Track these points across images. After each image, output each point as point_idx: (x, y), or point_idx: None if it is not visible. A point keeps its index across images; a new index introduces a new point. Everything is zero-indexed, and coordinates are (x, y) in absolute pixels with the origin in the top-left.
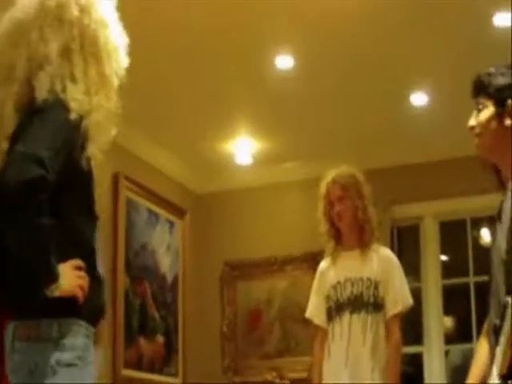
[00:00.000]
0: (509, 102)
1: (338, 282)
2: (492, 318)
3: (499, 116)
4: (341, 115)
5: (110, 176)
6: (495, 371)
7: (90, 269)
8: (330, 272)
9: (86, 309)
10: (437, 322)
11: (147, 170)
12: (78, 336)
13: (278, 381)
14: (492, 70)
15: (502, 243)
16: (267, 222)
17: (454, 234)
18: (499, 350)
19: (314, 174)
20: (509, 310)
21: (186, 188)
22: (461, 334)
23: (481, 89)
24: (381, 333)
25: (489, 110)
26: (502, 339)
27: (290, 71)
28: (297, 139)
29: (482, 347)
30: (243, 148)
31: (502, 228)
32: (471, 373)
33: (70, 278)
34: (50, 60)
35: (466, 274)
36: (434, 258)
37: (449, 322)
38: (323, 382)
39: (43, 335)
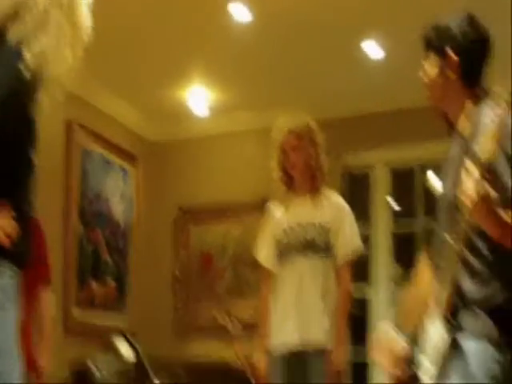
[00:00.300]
0: (451, 54)
1: (290, 227)
2: (436, 260)
3: (442, 67)
4: (296, 65)
5: (64, 123)
6: (437, 310)
7: (16, 210)
8: (282, 217)
9: (11, 250)
10: (385, 269)
11: (101, 118)
12: (4, 276)
13: (229, 322)
14: (439, 22)
15: (448, 185)
16: (221, 169)
17: (405, 181)
18: (442, 290)
19: (269, 123)
20: (452, 252)
21: (140, 136)
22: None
23: (427, 42)
24: (331, 278)
25: (434, 62)
26: (445, 278)
27: (246, 21)
28: (252, 89)
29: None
30: (198, 97)
31: (448, 170)
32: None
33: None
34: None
35: (415, 221)
36: (384, 206)
37: (397, 268)
38: (271, 324)
39: None
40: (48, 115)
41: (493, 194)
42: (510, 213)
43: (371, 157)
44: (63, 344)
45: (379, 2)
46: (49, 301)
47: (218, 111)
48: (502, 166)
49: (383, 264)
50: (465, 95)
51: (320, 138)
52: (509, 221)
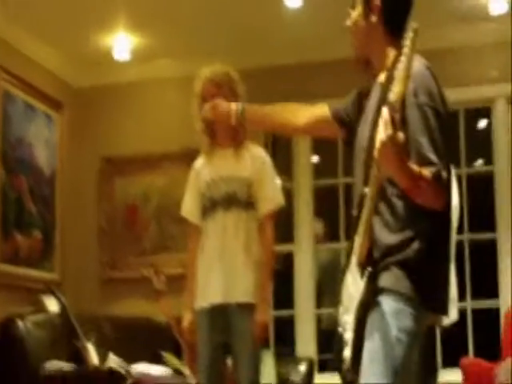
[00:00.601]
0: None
1: (212, 180)
2: (352, 209)
3: (366, 14)
4: (218, 14)
5: None
6: (354, 260)
7: None
8: (205, 170)
9: None
10: (307, 222)
11: (24, 62)
12: None
13: (154, 276)
14: None
15: (365, 133)
16: (145, 118)
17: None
18: (357, 239)
19: (192, 71)
20: (366, 200)
21: (64, 81)
22: (330, 235)
23: None
24: (253, 230)
25: (359, 9)
26: (360, 229)
27: None
28: (175, 36)
29: None
30: (121, 43)
31: (366, 119)
32: None
33: None
34: None
35: (336, 175)
36: (305, 159)
37: (319, 223)
38: (197, 276)
39: None
40: None
41: (400, 136)
42: (423, 169)
43: None
44: None
45: None
46: None
47: (142, 58)
48: (414, 117)
49: (305, 218)
50: (387, 42)
51: (241, 88)
52: (417, 173)
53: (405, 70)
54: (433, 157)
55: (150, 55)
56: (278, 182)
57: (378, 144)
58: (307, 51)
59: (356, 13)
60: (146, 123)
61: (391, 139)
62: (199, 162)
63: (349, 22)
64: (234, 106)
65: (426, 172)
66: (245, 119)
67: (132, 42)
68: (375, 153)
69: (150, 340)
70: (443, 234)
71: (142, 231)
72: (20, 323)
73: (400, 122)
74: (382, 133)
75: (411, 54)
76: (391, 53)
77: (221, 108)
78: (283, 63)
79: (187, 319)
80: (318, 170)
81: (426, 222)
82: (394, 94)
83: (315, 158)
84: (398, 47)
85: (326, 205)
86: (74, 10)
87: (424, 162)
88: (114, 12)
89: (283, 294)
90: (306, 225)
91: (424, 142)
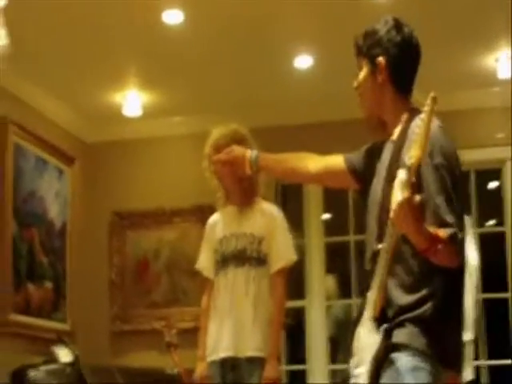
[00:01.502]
0: (379, 59)
1: (224, 237)
2: (364, 264)
3: (373, 73)
4: (229, 74)
5: None
6: (367, 315)
7: None
8: (218, 226)
9: None
10: (319, 278)
11: (36, 117)
12: None
13: (165, 329)
14: (367, 29)
15: (378, 190)
16: (157, 173)
17: (336, 193)
18: (370, 294)
19: (202, 128)
20: (380, 256)
21: (75, 136)
22: (341, 291)
23: (358, 49)
24: (264, 286)
25: (365, 69)
26: (374, 283)
27: (179, 26)
28: (186, 94)
29: None
30: (132, 99)
31: (379, 175)
32: None
33: None
34: None
35: (347, 232)
36: (316, 216)
37: (330, 279)
38: (209, 331)
39: None
40: None
41: (417, 198)
42: (439, 231)
43: None
44: (1, 347)
45: (311, 16)
46: None
47: (153, 114)
48: (430, 179)
49: (317, 273)
50: (397, 99)
51: (251, 145)
52: (434, 235)
53: (423, 135)
54: (449, 218)
55: (161, 112)
56: (290, 237)
57: (394, 205)
58: (315, 111)
59: (362, 74)
60: (157, 179)
61: (408, 201)
62: (213, 218)
63: (356, 84)
64: (248, 152)
65: (442, 233)
66: (258, 166)
67: (143, 99)
68: (391, 214)
69: None
70: (457, 291)
71: (153, 284)
72: (32, 373)
73: (416, 184)
74: (399, 194)
75: (429, 121)
76: (402, 109)
77: (237, 152)
78: (293, 123)
79: (199, 371)
80: (329, 227)
81: (441, 280)
82: (411, 158)
83: (326, 215)
84: (408, 103)
85: (338, 261)
86: (86, 67)
87: (441, 223)
88: (126, 69)
89: (297, 348)
90: (318, 280)
91: (441, 203)
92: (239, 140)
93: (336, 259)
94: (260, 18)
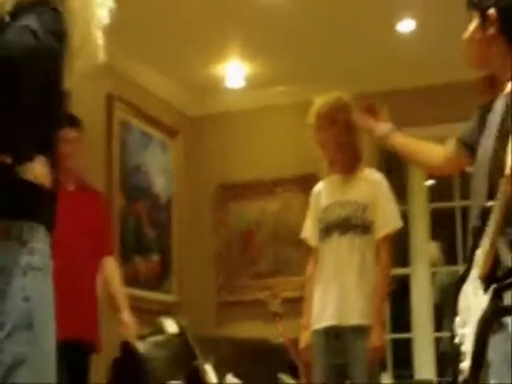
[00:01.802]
0: (490, 11)
1: (329, 205)
2: (472, 220)
3: (483, 26)
4: (331, 41)
5: (104, 97)
6: (475, 273)
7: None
8: (322, 195)
9: (46, 216)
10: (423, 246)
11: (140, 92)
12: (45, 242)
13: (270, 299)
14: None
15: (489, 147)
16: (259, 144)
17: None
18: (481, 252)
19: (305, 97)
20: (492, 214)
21: (179, 109)
22: (447, 258)
23: (468, 1)
24: (368, 254)
25: (475, 22)
26: (485, 241)
27: None
28: (288, 63)
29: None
30: (235, 70)
31: (490, 132)
32: None
33: (39, 166)
34: None
35: (452, 198)
36: (420, 182)
37: (435, 246)
38: (313, 300)
39: (14, 236)
40: (89, 89)
41: None
42: None
43: (408, 133)
44: (110, 320)
45: None
46: (115, 269)
47: (255, 85)
48: None
49: (421, 240)
50: (509, 53)
51: (353, 114)
52: None
53: None
54: None
55: (263, 82)
56: (395, 204)
57: (509, 163)
58: (421, 74)
59: (472, 26)
60: (260, 149)
61: None
62: (318, 188)
63: (465, 36)
64: (385, 127)
65: None
66: (393, 146)
67: (245, 70)
68: (506, 170)
69: (267, 361)
70: None
71: (258, 255)
72: (140, 344)
73: None
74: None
75: None
76: None
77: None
78: (399, 87)
79: (304, 341)
80: (434, 193)
81: None
82: None
83: (430, 181)
84: None
85: (443, 228)
86: (187, 39)
87: None
88: (228, 40)
89: (401, 316)
90: (422, 248)
91: None
92: (342, 107)
93: (441, 226)
94: None
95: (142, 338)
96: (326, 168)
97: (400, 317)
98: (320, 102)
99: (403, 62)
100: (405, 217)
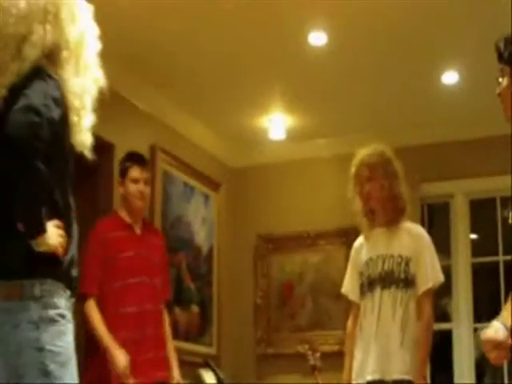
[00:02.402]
0: None
1: (370, 259)
2: None
3: None
4: (374, 93)
5: (147, 148)
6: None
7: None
8: (363, 249)
9: (64, 273)
10: (466, 300)
11: (183, 144)
12: (60, 296)
13: (309, 353)
14: (508, 34)
15: None
16: (300, 197)
17: (484, 212)
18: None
19: (346, 150)
20: None
21: (221, 162)
22: (490, 313)
23: (499, 55)
24: (411, 308)
25: (508, 76)
26: None
27: (323, 48)
28: (330, 116)
29: None
30: (277, 123)
31: None
32: None
33: (52, 234)
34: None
35: (496, 253)
36: (463, 237)
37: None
38: (355, 354)
39: (26, 294)
40: (134, 139)
41: None
42: None
43: (450, 187)
44: None
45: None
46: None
47: (297, 137)
48: None
49: (464, 295)
50: None
51: (395, 166)
52: None
53: None
54: None
55: (305, 134)
56: (436, 257)
57: None
58: (463, 127)
59: (505, 81)
60: (301, 202)
61: None
62: (359, 241)
63: (498, 91)
64: None
65: None
66: None
67: (287, 122)
68: None
69: None
70: None
71: (298, 308)
72: None
73: None
74: None
75: None
76: None
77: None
78: (439, 140)
79: None
80: (476, 247)
81: None
82: None
83: (474, 235)
84: None
85: (486, 281)
86: (231, 92)
87: None
88: (270, 93)
89: (444, 373)
90: (466, 302)
91: None
92: (386, 159)
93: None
94: (403, 34)
95: None
96: (366, 221)
97: (442, 373)
98: (364, 153)
99: (446, 114)
100: (448, 271)
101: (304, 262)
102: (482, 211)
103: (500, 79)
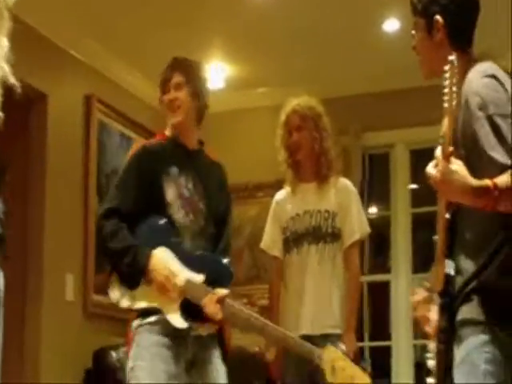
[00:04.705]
0: (436, 17)
1: (297, 214)
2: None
3: (430, 32)
4: (313, 43)
5: (82, 98)
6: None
7: None
8: (288, 203)
9: None
10: (405, 251)
11: (120, 94)
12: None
13: (248, 307)
14: None
15: None
16: (239, 147)
17: (425, 162)
18: (433, 268)
19: (284, 100)
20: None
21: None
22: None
23: (413, 7)
24: (339, 262)
25: (422, 28)
26: (436, 255)
27: None
28: (269, 65)
29: None
30: (216, 72)
31: None
32: None
33: None
34: None
35: (435, 203)
36: (403, 187)
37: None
38: (282, 312)
39: None
40: (69, 89)
41: (454, 167)
42: (497, 179)
43: (391, 136)
44: (82, 327)
45: None
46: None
47: (236, 86)
48: (481, 132)
49: (403, 246)
50: (457, 57)
51: (325, 121)
52: (485, 186)
53: (449, 103)
54: (504, 159)
55: (244, 84)
56: (363, 211)
57: (433, 181)
58: (404, 76)
59: (420, 33)
60: (240, 153)
61: (441, 177)
62: (282, 195)
63: (413, 43)
64: None
65: (503, 178)
66: None
67: (226, 71)
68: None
69: (243, 370)
70: None
71: (235, 261)
72: (113, 353)
73: (453, 153)
74: (431, 171)
75: (451, 87)
76: (463, 67)
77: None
78: (380, 89)
79: (272, 352)
80: (416, 197)
81: (507, 237)
82: (443, 126)
83: (414, 185)
84: (469, 59)
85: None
86: (169, 41)
87: (500, 170)
88: (209, 42)
89: (381, 324)
90: (404, 254)
91: (494, 152)
92: (317, 114)
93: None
94: None
95: (114, 347)
96: (290, 172)
97: (380, 325)
98: (293, 102)
99: (388, 63)
100: (387, 222)
101: (242, 214)
102: (422, 161)
103: (413, 32)
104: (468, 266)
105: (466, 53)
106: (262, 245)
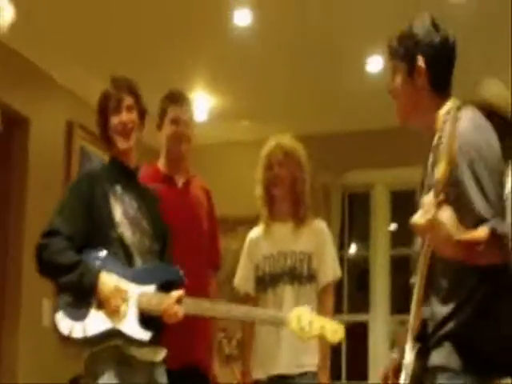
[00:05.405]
0: (419, 62)
1: (271, 255)
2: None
3: (411, 77)
4: (297, 80)
5: (64, 124)
6: (410, 335)
7: None
8: (262, 242)
9: None
10: (383, 292)
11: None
12: None
13: (225, 341)
14: (403, 30)
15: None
16: (220, 180)
17: (405, 203)
18: (411, 312)
19: (268, 134)
20: (418, 272)
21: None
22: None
23: (393, 52)
24: (312, 302)
25: (402, 73)
26: (413, 299)
27: (248, 28)
28: (252, 99)
29: None
30: (199, 103)
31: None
32: None
33: None
34: None
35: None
36: (383, 227)
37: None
38: (256, 350)
39: None
40: (51, 114)
41: (444, 215)
42: (475, 232)
43: (371, 176)
44: (59, 354)
45: (384, 20)
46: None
47: (217, 119)
48: (464, 178)
49: (381, 286)
50: (435, 105)
51: (307, 165)
52: (470, 240)
53: (447, 148)
54: (486, 212)
55: (227, 117)
56: (335, 252)
57: (418, 228)
58: (386, 116)
59: (399, 77)
60: (222, 185)
61: (429, 226)
62: (256, 233)
63: (391, 87)
64: None
65: (479, 233)
66: None
67: (210, 103)
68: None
69: None
70: (500, 288)
71: (216, 294)
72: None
73: (444, 201)
74: (421, 217)
75: (452, 134)
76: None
77: None
78: (362, 129)
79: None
80: (395, 237)
81: (479, 279)
82: (437, 173)
83: (393, 226)
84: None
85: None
86: (152, 69)
87: (479, 221)
88: (192, 72)
89: (358, 364)
90: (383, 294)
91: (476, 200)
92: (300, 155)
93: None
94: (330, 23)
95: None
96: (266, 211)
97: (357, 365)
98: (280, 139)
99: (369, 102)
100: (366, 261)
101: (223, 249)
102: (402, 202)
103: (393, 76)
104: (439, 309)
105: (443, 97)
106: (235, 283)
